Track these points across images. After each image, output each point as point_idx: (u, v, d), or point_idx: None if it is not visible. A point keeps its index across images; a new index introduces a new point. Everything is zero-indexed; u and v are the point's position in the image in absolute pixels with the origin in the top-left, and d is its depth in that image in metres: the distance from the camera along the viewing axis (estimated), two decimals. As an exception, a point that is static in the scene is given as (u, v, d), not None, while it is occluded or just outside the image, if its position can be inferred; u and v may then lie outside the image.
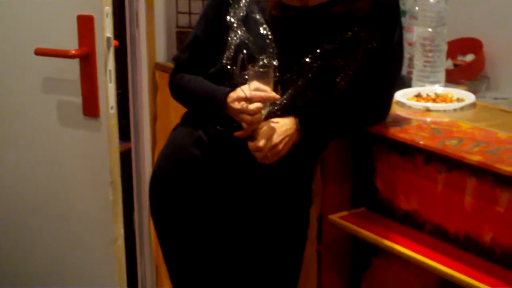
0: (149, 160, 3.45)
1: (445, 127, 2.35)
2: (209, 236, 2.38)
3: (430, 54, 2.76)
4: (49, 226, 3.00)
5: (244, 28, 2.28)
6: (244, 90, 2.17)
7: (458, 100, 2.60)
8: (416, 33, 2.89)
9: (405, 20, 3.09)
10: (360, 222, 2.40)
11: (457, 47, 3.45)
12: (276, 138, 2.19)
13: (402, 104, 2.56)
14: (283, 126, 2.21)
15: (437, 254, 2.20)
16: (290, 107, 2.24)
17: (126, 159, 3.56)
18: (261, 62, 2.23)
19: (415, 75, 2.82)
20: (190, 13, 3.45)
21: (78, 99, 2.73)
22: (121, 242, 2.80)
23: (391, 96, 2.40)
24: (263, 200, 2.33)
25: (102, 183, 2.76)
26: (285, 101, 2.23)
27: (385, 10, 2.26)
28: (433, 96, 2.63)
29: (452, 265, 2.14)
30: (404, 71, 3.02)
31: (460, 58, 3.47)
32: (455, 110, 2.53)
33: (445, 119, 2.43)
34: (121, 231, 2.80)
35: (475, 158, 2.08)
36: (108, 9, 2.61)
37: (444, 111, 2.51)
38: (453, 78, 3.18)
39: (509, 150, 2.14)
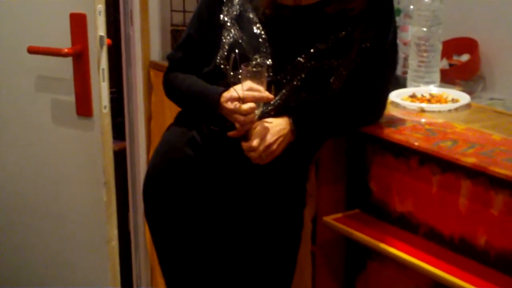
0: (144, 159, 3.44)
1: (439, 128, 2.34)
2: (203, 237, 2.37)
3: (425, 54, 2.75)
4: (41, 225, 2.98)
5: (237, 27, 2.27)
6: (237, 90, 2.16)
7: (453, 100, 2.59)
8: (410, 32, 2.88)
9: (399, 19, 3.08)
10: (355, 224, 2.39)
11: (453, 46, 3.43)
12: (270, 138, 2.18)
13: (396, 105, 2.55)
14: (277, 126, 2.20)
15: (431, 257, 2.19)
16: (284, 107, 2.23)
17: (122, 158, 3.56)
18: (254, 62, 2.22)
19: (409, 75, 2.81)
20: (184, 11, 3.44)
21: (71, 98, 2.72)
22: (115, 243, 2.79)
23: (385, 96, 2.39)
24: (257, 200, 2.32)
25: (96, 183, 2.75)
26: (278, 101, 2.22)
27: (379, 9, 2.25)
28: (427, 96, 2.62)
29: (446, 268, 2.13)
30: (399, 70, 3.01)
31: (455, 58, 3.45)
32: (449, 111, 2.52)
33: (440, 120, 2.42)
34: (115, 232, 2.79)
35: (469, 160, 2.07)
36: (101, 7, 2.59)
37: (439, 111, 2.50)
38: (448, 78, 3.17)
39: (503, 152, 2.13)
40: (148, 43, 3.43)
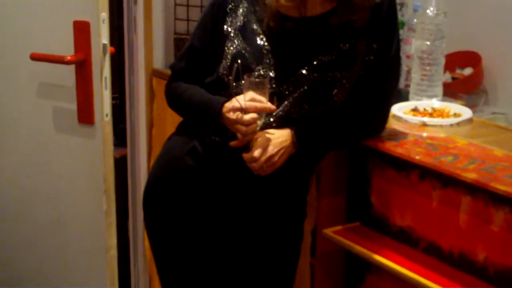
0: (145, 167, 3.44)
1: (441, 142, 2.33)
2: (203, 247, 2.36)
3: (427, 68, 2.75)
4: (41, 232, 2.99)
5: (241, 38, 2.27)
6: (239, 100, 2.15)
7: (455, 115, 2.58)
8: (414, 45, 2.87)
9: (403, 32, 3.07)
10: (354, 238, 2.39)
11: (456, 60, 3.44)
12: (271, 150, 2.18)
13: (398, 118, 2.55)
14: (279, 137, 2.20)
15: (430, 272, 2.18)
16: (286, 119, 2.23)
17: (123, 165, 3.56)
18: (257, 73, 2.21)
19: (412, 89, 2.81)
20: (188, 20, 3.44)
21: (73, 106, 2.72)
22: (113, 252, 2.79)
23: (387, 110, 2.39)
24: (257, 211, 2.31)
25: (96, 191, 2.75)
26: (280, 112, 2.22)
27: (383, 22, 2.25)
28: (430, 110, 2.62)
29: (445, 283, 2.12)
30: (402, 83, 3.01)
31: (458, 71, 3.46)
32: (451, 125, 2.51)
33: (442, 134, 2.42)
34: (114, 241, 2.79)
35: (470, 175, 2.07)
36: (105, 15, 2.60)
37: (441, 126, 2.50)
38: (451, 91, 3.17)
39: (505, 168, 2.12)
40: (151, 50, 3.43)
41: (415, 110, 2.63)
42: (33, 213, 3.00)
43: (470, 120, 2.57)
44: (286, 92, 2.21)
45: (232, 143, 2.20)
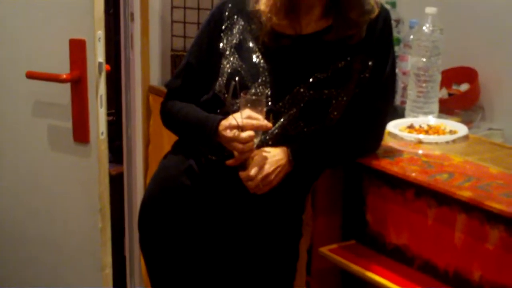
0: (141, 184, 3.44)
1: (436, 160, 2.33)
2: (198, 265, 2.36)
3: (423, 85, 2.74)
4: (36, 250, 2.98)
5: (237, 56, 2.27)
6: (236, 118, 2.15)
7: (451, 132, 2.58)
8: (410, 62, 2.87)
9: (399, 49, 3.08)
10: (350, 256, 2.38)
11: (452, 76, 3.43)
12: (268, 168, 2.18)
13: (394, 135, 2.55)
14: (275, 156, 2.20)
15: (426, 291, 2.18)
16: (282, 136, 2.23)
17: (119, 181, 3.56)
18: (253, 90, 2.22)
19: (408, 105, 2.80)
20: (185, 37, 3.45)
21: (68, 124, 2.72)
22: (108, 270, 2.78)
23: (383, 128, 2.39)
24: (253, 230, 2.31)
25: (91, 210, 2.75)
26: (277, 130, 2.22)
27: (378, 39, 2.26)
28: (425, 127, 2.62)
29: (440, 301, 2.13)
30: (398, 100, 3.01)
31: (454, 87, 3.45)
32: (447, 142, 2.51)
33: (437, 151, 2.42)
34: (109, 259, 2.78)
35: (465, 194, 2.07)
36: (100, 33, 2.60)
37: (436, 143, 2.50)
38: (447, 107, 3.16)
39: (500, 186, 2.12)
40: (148, 67, 3.44)
41: (410, 127, 2.62)
42: (28, 231, 2.99)
43: (465, 137, 2.57)
44: (282, 110, 2.22)
45: (229, 162, 2.20)
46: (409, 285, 2.21)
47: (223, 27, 2.31)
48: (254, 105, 2.14)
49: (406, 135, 2.54)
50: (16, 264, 3.06)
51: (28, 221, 2.98)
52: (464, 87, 3.42)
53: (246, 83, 2.23)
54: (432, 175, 2.21)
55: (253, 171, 2.16)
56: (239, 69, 2.25)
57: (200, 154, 2.30)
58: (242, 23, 2.29)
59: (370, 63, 2.25)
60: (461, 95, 3.38)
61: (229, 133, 2.17)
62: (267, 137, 2.21)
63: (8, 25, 2.81)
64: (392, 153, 2.40)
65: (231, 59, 2.27)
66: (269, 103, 2.21)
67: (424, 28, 2.73)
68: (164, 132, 3.23)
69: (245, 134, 2.14)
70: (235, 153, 2.18)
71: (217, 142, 2.22)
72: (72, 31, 2.64)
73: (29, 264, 3.02)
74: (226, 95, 2.25)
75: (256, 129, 2.14)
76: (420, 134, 2.55)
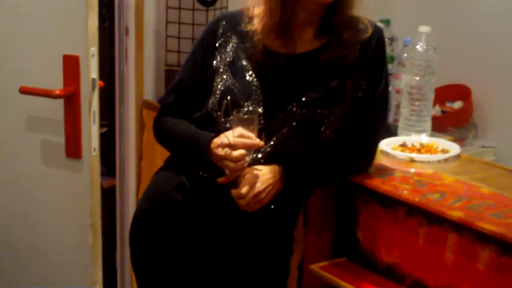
0: (133, 199, 3.43)
1: (428, 179, 2.34)
2: (189, 282, 2.35)
3: (416, 103, 2.75)
4: (26, 265, 2.97)
5: (230, 74, 2.28)
6: (228, 136, 2.16)
7: (443, 151, 2.59)
8: (403, 80, 2.88)
9: (393, 67, 3.09)
10: (341, 274, 2.38)
11: (446, 93, 3.45)
12: (259, 186, 2.18)
13: (386, 154, 2.55)
14: (267, 174, 2.20)
15: (416, 310, 2.18)
16: (274, 154, 2.23)
17: (112, 195, 3.55)
18: (246, 109, 2.22)
19: (401, 123, 2.81)
20: (179, 52, 3.45)
21: (61, 139, 2.72)
22: (99, 286, 2.78)
23: (375, 146, 2.39)
24: (244, 247, 2.30)
25: (82, 225, 2.74)
26: (268, 148, 2.22)
27: (371, 58, 2.26)
28: (418, 146, 2.62)
29: (430, 321, 2.13)
30: (391, 118, 3.02)
31: (448, 104, 3.47)
32: (439, 161, 2.52)
33: (429, 170, 2.42)
34: (99, 275, 2.78)
35: (456, 214, 2.07)
36: (94, 49, 2.60)
37: (428, 162, 2.50)
38: (440, 125, 3.18)
39: (491, 206, 2.13)
40: (142, 82, 3.44)
41: (403, 145, 2.63)
42: (19, 245, 2.98)
43: (457, 156, 2.57)
44: (275, 128, 2.22)
45: (220, 180, 2.20)
46: (400, 304, 2.22)
47: (217, 44, 2.31)
48: (246, 124, 2.14)
49: (399, 153, 2.55)
50: (7, 279, 3.05)
51: (19, 235, 2.97)
52: (458, 104, 3.44)
53: (239, 101, 2.24)
54: (423, 194, 2.21)
55: (244, 190, 2.16)
56: (232, 87, 2.25)
57: (192, 171, 2.30)
58: (236, 41, 2.30)
59: (363, 82, 2.25)
60: (454, 112, 3.40)
61: (220, 151, 2.17)
62: (259, 155, 2.22)
63: (2, 40, 2.81)
64: (384, 171, 2.40)
65: (224, 76, 2.28)
66: (262, 122, 2.21)
67: (417, 46, 2.74)
68: (157, 146, 3.21)
69: (237, 153, 2.14)
70: (227, 171, 2.18)
71: (209, 159, 2.22)
72: (66, 47, 2.65)
73: (20, 278, 3.01)
74: (218, 113, 2.25)
75: (247, 147, 2.15)
76: (412, 153, 2.55)
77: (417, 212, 2.20)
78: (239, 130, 2.14)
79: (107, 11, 3.91)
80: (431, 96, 2.79)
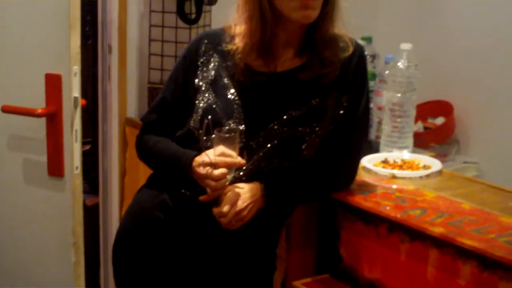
0: (117, 216, 3.43)
1: (409, 196, 2.35)
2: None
3: (398, 120, 2.77)
4: (7, 284, 2.95)
5: (212, 92, 2.28)
6: (209, 155, 2.16)
7: (425, 167, 2.60)
8: (385, 97, 2.89)
9: (375, 84, 3.11)
10: (323, 290, 2.39)
11: (428, 109, 3.47)
12: (240, 204, 2.18)
13: (368, 170, 2.56)
14: (248, 192, 2.20)
15: (398, 326, 2.19)
16: (256, 172, 2.23)
17: (95, 213, 3.55)
18: (227, 127, 2.23)
19: (383, 140, 2.82)
20: (162, 69, 3.45)
21: (43, 158, 2.71)
22: (82, 305, 2.77)
23: (357, 163, 2.40)
24: (226, 264, 2.31)
25: (65, 244, 2.73)
26: (250, 166, 2.23)
27: (352, 76, 2.27)
28: (399, 162, 2.64)
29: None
30: (373, 135, 3.03)
31: (430, 120, 3.49)
32: (421, 177, 2.53)
33: (411, 186, 2.43)
34: (83, 293, 2.77)
35: (437, 230, 2.08)
36: (76, 68, 2.60)
37: (410, 178, 2.51)
38: (422, 141, 3.19)
39: (472, 222, 2.14)
40: (125, 99, 3.44)
41: (385, 162, 2.64)
42: (0, 264, 2.97)
43: (439, 172, 2.58)
44: (256, 146, 2.23)
45: (201, 198, 2.21)
46: (382, 321, 2.22)
47: (199, 62, 2.32)
48: (227, 142, 2.15)
49: (380, 170, 2.56)
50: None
51: (1, 253, 2.95)
52: (440, 120, 3.46)
53: (221, 120, 2.24)
54: (405, 210, 2.22)
55: (225, 208, 2.17)
56: (214, 105, 2.26)
57: (174, 189, 2.30)
58: (218, 59, 2.31)
59: (344, 99, 2.26)
60: (437, 128, 3.42)
61: (202, 170, 2.17)
62: (241, 173, 2.22)
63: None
64: (366, 188, 2.41)
65: (206, 95, 2.28)
66: (243, 140, 2.22)
67: (399, 64, 2.76)
68: (140, 164, 3.20)
69: (218, 172, 2.15)
70: (208, 189, 2.19)
71: (191, 177, 2.22)
72: (48, 66, 2.64)
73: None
74: (200, 131, 2.26)
75: (229, 166, 2.15)
76: (394, 169, 2.56)
77: (399, 228, 2.21)
78: (220, 148, 2.15)
79: (90, 29, 3.92)
80: (413, 112, 2.81)
